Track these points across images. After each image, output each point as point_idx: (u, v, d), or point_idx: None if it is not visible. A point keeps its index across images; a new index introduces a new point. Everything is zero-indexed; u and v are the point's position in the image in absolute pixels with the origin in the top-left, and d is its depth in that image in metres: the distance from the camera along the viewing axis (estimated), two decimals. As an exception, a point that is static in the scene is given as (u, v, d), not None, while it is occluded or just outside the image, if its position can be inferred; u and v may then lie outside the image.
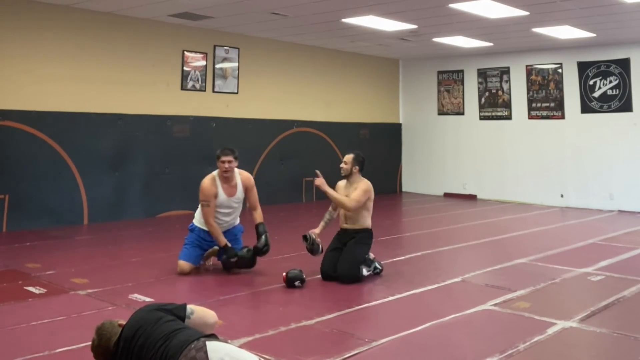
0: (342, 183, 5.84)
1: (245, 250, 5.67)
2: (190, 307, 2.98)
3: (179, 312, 2.92)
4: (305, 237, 5.61)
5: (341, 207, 5.63)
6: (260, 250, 5.63)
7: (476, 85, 12.79)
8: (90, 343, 2.91)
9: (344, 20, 9.08)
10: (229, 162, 5.68)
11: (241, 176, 5.84)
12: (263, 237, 5.62)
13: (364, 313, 4.56)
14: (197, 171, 9.93)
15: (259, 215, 5.79)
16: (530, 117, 12.04)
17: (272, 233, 8.06)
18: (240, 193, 5.77)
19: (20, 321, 4.18)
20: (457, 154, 13.03)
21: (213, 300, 4.74)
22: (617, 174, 10.95)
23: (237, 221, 5.94)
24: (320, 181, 5.60)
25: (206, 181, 5.65)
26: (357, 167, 5.74)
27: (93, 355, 2.89)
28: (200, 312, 3.02)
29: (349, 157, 5.75)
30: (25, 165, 8.05)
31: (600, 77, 11.13)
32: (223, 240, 5.58)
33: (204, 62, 10.06)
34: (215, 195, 5.59)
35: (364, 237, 5.65)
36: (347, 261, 5.45)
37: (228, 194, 5.68)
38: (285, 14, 8.72)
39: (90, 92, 8.72)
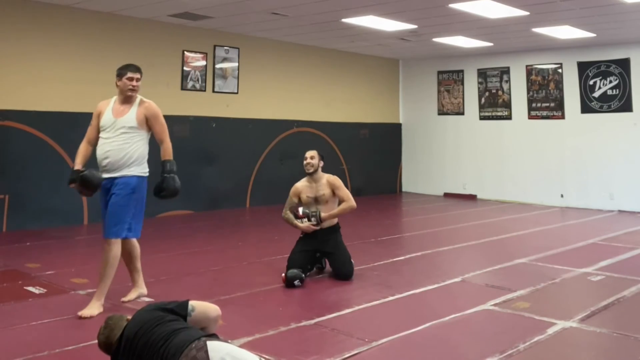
0: (303, 184, 5.69)
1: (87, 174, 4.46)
2: (191, 303, 2.98)
3: (181, 310, 2.92)
4: (300, 279, 5.26)
5: (348, 213, 5.63)
6: (158, 194, 4.64)
7: (476, 85, 12.80)
8: (87, 343, 2.92)
9: (344, 20, 9.08)
10: (137, 79, 4.84)
11: (144, 104, 4.77)
12: (164, 178, 4.63)
13: (364, 313, 4.55)
14: (197, 171, 9.97)
15: (164, 151, 4.77)
16: (530, 117, 12.04)
17: (272, 233, 8.10)
18: (131, 119, 4.60)
19: (20, 321, 4.18)
20: (457, 154, 13.03)
21: (213, 300, 4.73)
22: (617, 174, 10.95)
23: (127, 172, 4.55)
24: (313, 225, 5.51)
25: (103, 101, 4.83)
26: (322, 163, 5.68)
27: (97, 343, 2.93)
28: (202, 307, 3.02)
29: (314, 153, 5.65)
30: (25, 165, 8.05)
31: (600, 77, 11.13)
32: (75, 164, 4.64)
33: (204, 62, 10.06)
34: (101, 114, 4.71)
35: (340, 234, 5.67)
36: (347, 262, 5.51)
37: (116, 113, 4.63)
38: (285, 14, 8.72)
39: (90, 92, 8.69)
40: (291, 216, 5.64)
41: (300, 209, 5.56)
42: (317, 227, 5.53)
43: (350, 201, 5.57)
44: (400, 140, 13.91)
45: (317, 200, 5.62)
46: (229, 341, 3.26)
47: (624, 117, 10.88)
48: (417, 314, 4.50)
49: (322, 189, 5.59)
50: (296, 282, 5.21)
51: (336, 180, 5.64)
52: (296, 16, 8.85)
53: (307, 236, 5.62)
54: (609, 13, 8.40)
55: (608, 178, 11.05)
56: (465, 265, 6.42)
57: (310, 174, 5.62)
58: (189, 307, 2.94)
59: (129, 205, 4.56)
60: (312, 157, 5.61)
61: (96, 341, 3.83)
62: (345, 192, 5.59)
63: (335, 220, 5.67)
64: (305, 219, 5.54)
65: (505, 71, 12.36)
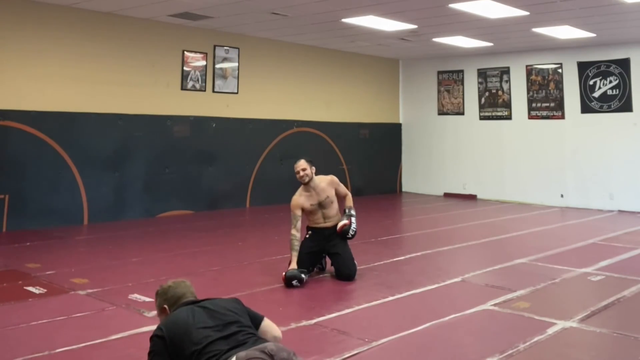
0: (302, 195, 5.58)
1: None
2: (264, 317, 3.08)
3: (255, 320, 3.00)
4: (298, 279, 5.24)
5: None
6: None
7: (476, 85, 12.80)
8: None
9: (344, 20, 9.08)
10: None
11: None
12: None
13: (364, 313, 4.55)
14: (197, 171, 9.98)
15: None
16: (530, 117, 12.04)
17: (272, 233, 8.10)
18: None
19: (20, 321, 4.18)
20: (457, 154, 13.03)
21: (213, 300, 4.74)
22: (617, 174, 10.95)
23: None
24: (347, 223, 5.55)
25: None
26: (314, 168, 5.59)
27: (162, 291, 2.99)
28: (269, 324, 3.10)
29: (304, 163, 5.50)
30: (25, 165, 8.05)
31: (600, 77, 11.13)
32: None
33: (204, 62, 10.06)
34: None
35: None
36: (351, 263, 5.54)
37: None
38: (285, 14, 8.72)
39: (90, 92, 8.72)
40: (294, 244, 5.48)
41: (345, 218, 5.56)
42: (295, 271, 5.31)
43: (349, 193, 5.78)
44: (400, 140, 13.91)
45: (321, 205, 5.60)
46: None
47: (624, 117, 10.88)
48: (417, 314, 4.50)
49: (325, 192, 5.60)
50: (294, 282, 5.20)
51: (334, 179, 5.72)
52: (296, 16, 8.85)
53: (313, 236, 5.65)
54: (609, 13, 8.39)
55: (608, 178, 11.06)
56: (465, 265, 6.42)
57: (307, 183, 5.54)
58: (263, 318, 3.06)
59: None
60: (303, 169, 5.49)
61: (97, 341, 3.85)
62: (344, 187, 5.78)
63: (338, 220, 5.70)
64: (353, 219, 5.56)
65: (505, 71, 12.36)
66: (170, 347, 2.65)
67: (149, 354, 2.73)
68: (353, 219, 5.60)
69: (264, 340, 2.75)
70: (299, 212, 5.54)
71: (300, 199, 5.57)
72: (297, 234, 5.50)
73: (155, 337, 2.73)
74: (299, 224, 5.51)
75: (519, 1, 7.78)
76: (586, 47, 11.19)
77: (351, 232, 5.56)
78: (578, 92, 11.39)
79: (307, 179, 5.50)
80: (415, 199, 12.56)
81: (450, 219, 9.78)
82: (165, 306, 2.94)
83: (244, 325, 2.79)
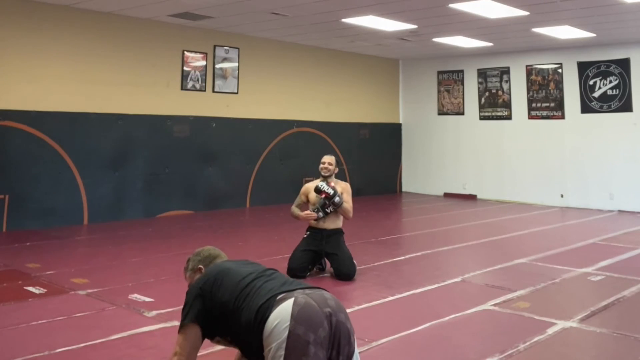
0: (313, 184, 5.78)
1: None
2: None
3: None
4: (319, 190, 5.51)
5: (345, 216, 5.70)
6: None
7: (476, 85, 12.80)
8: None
9: (344, 20, 9.08)
10: None
11: None
12: None
13: (364, 313, 4.55)
14: (197, 171, 9.98)
15: None
16: (530, 117, 12.05)
17: (272, 233, 8.10)
18: None
19: (20, 321, 4.18)
20: (457, 154, 13.03)
21: (213, 300, 4.74)
22: (617, 174, 10.95)
23: None
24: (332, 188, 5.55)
25: None
26: (337, 169, 5.89)
27: (195, 254, 2.97)
28: None
29: (332, 159, 5.85)
30: (25, 165, 8.05)
31: (600, 77, 11.13)
32: None
33: (204, 62, 10.06)
34: None
35: (343, 236, 5.74)
36: (349, 263, 5.56)
37: None
38: (285, 14, 8.72)
39: (90, 92, 8.72)
40: (296, 210, 5.82)
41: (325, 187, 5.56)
42: (318, 217, 5.61)
43: (351, 209, 5.70)
44: (400, 140, 13.91)
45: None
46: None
47: (624, 117, 10.88)
48: (417, 314, 4.50)
49: None
50: (324, 188, 5.40)
51: (348, 187, 5.80)
52: (296, 16, 8.85)
53: (311, 236, 5.69)
54: (609, 13, 8.40)
55: (608, 178, 11.05)
56: (465, 265, 6.42)
57: (325, 177, 5.74)
58: None
59: None
60: (330, 162, 5.77)
61: (97, 341, 3.84)
62: (350, 201, 5.71)
63: (339, 224, 5.75)
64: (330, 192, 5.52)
65: (505, 71, 12.36)
66: (212, 290, 2.63)
67: (184, 307, 2.69)
68: (337, 198, 5.51)
69: (312, 286, 2.63)
70: (303, 198, 5.84)
71: (310, 186, 5.82)
72: (296, 208, 5.83)
73: (192, 289, 2.70)
74: (300, 206, 5.83)
75: (519, 1, 7.78)
76: (586, 47, 11.20)
77: (327, 190, 5.47)
78: (578, 92, 11.39)
79: (326, 173, 5.73)
80: (415, 199, 12.56)
81: (450, 219, 9.78)
82: (201, 266, 2.93)
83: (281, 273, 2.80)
